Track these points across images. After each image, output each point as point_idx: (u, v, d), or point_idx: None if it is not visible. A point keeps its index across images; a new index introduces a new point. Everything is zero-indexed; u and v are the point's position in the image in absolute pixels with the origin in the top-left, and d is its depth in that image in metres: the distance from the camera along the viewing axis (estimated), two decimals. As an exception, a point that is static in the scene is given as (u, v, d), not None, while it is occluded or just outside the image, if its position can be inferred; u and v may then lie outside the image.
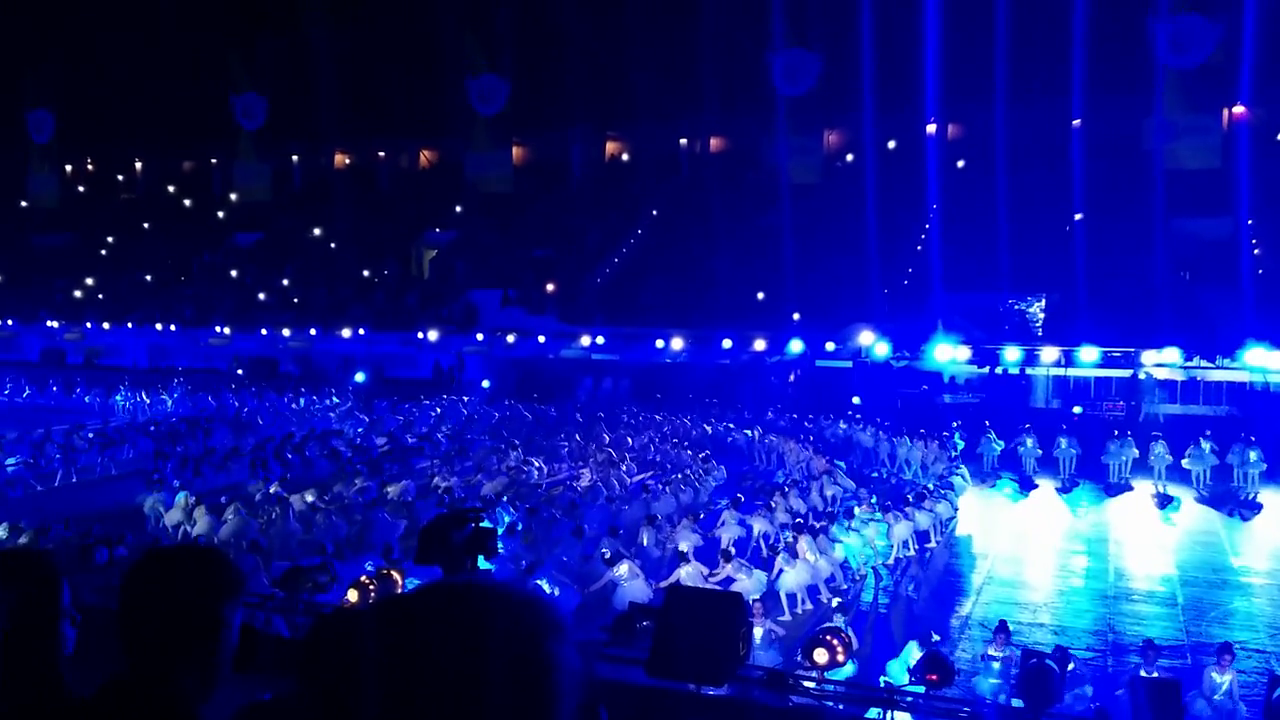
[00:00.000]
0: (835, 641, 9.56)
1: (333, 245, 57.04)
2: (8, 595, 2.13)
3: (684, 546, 17.46)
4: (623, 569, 15.10)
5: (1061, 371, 34.63)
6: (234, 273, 57.02)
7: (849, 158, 54.29)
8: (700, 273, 44.66)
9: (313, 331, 46.26)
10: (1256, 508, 23.51)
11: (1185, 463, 26.01)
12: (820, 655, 9.40)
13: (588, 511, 19.94)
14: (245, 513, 19.01)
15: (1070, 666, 11.58)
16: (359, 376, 41.98)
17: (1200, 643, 14.10)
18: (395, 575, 13.33)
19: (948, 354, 33.81)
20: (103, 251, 61.42)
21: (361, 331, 45.44)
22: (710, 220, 46.78)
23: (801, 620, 15.20)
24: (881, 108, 46.28)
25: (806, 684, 8.67)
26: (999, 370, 34.52)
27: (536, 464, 26.23)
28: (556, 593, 14.48)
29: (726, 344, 38.02)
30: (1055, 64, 42.47)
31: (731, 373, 37.83)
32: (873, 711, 9.15)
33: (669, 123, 56.97)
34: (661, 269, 47.10)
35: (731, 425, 31.71)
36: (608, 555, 15.78)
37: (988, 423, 28.74)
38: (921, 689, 9.01)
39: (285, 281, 54.77)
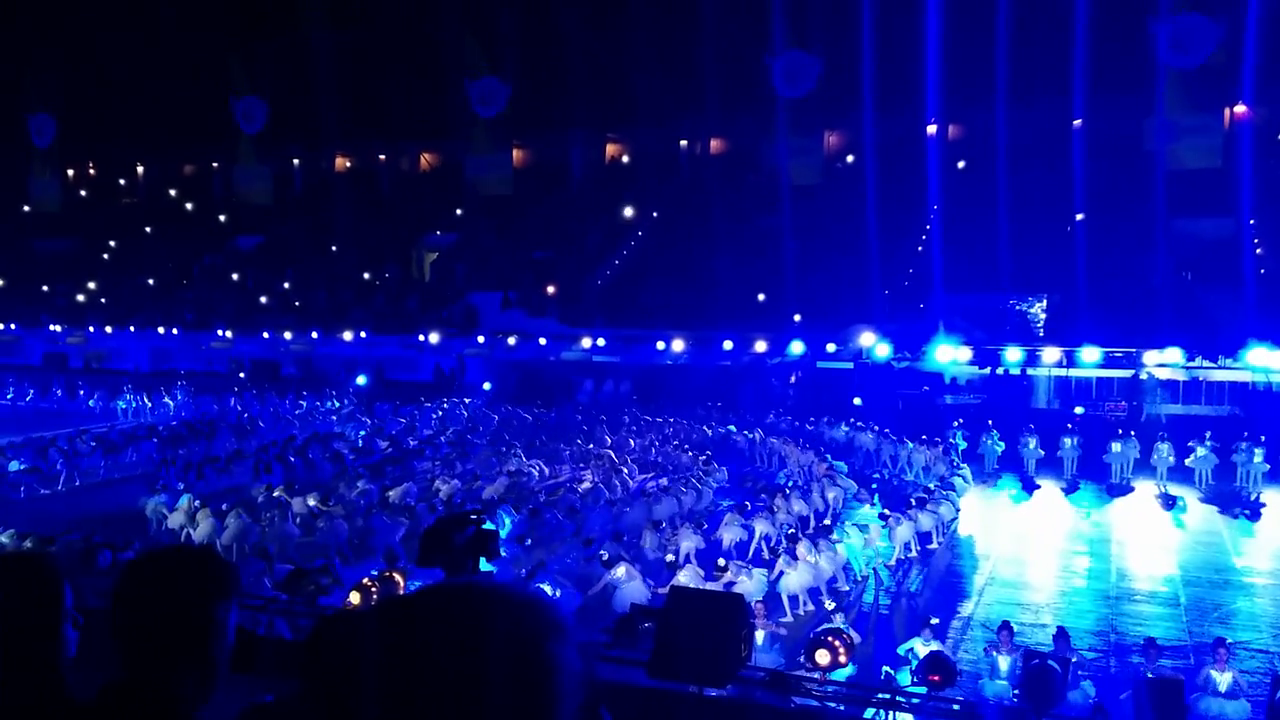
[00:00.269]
0: (837, 642, 9.56)
1: (333, 248, 57.06)
2: (9, 598, 2.13)
3: (686, 547, 17.48)
4: (620, 571, 15.12)
5: (1063, 372, 34.62)
6: (235, 276, 57.06)
7: (849, 159, 54.29)
8: (701, 274, 44.65)
9: (314, 335, 46.31)
10: (1258, 509, 23.52)
11: (1189, 461, 26.03)
12: (822, 656, 9.40)
13: (589, 514, 19.95)
14: (247, 516, 19.03)
15: (1074, 660, 11.58)
16: (360, 379, 42.01)
17: (1203, 643, 14.06)
18: (397, 578, 13.34)
19: (949, 355, 33.81)
20: (104, 255, 61.47)
21: (363, 334, 45.48)
22: (711, 222, 46.77)
23: (803, 621, 15.19)
24: (881, 108, 46.26)
25: (808, 685, 8.67)
26: (1000, 371, 34.51)
27: (537, 466, 26.23)
28: (558, 595, 14.48)
29: (727, 345, 38.02)
30: (1056, 64, 42.42)
31: (732, 374, 37.82)
32: (868, 710, 9.15)
33: (669, 124, 56.97)
34: (662, 271, 47.10)
35: (733, 427, 31.69)
36: (605, 558, 15.79)
37: (991, 422, 28.71)
38: (923, 689, 9.01)
39: (286, 285, 54.81)
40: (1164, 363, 32.71)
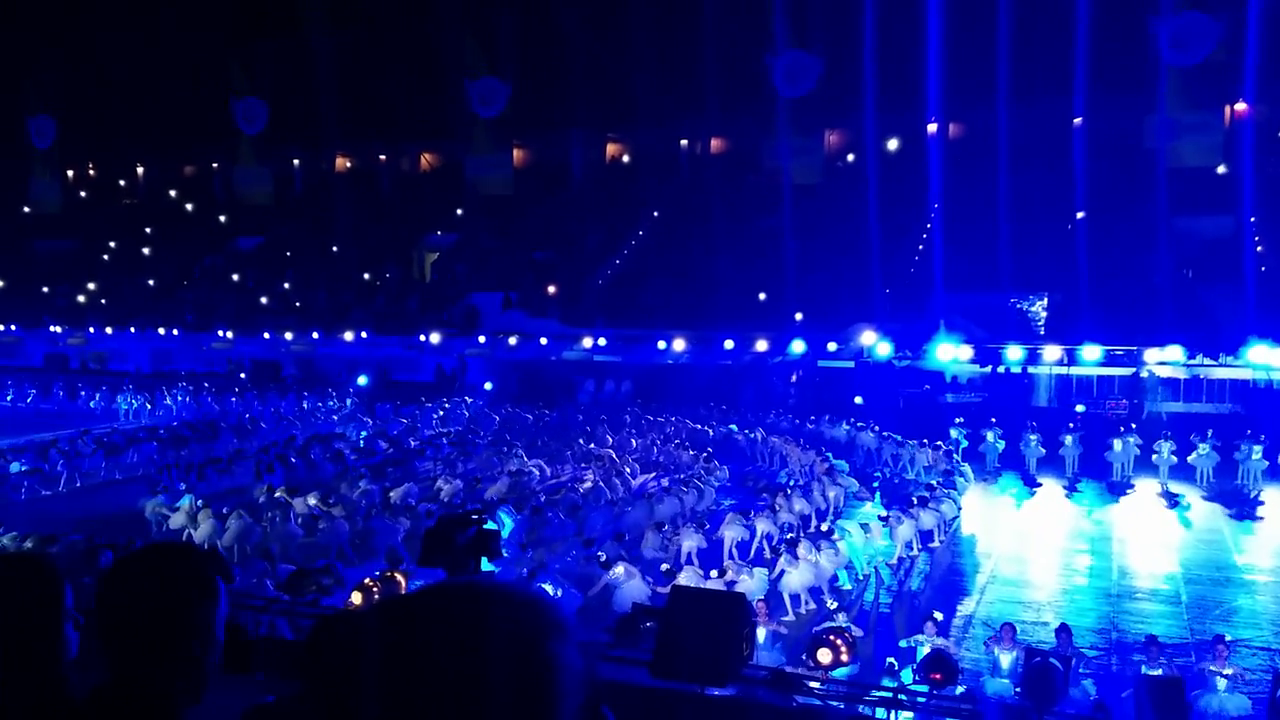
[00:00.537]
0: (839, 641, 9.57)
1: (334, 249, 57.06)
2: (10, 598, 2.13)
3: (688, 547, 17.49)
4: (619, 570, 15.13)
5: (1064, 370, 34.61)
6: (235, 276, 57.08)
7: (850, 158, 54.30)
8: (701, 274, 44.64)
9: (315, 335, 46.33)
10: (1256, 506, 23.54)
11: (1191, 459, 26.05)
12: (824, 655, 9.41)
13: (590, 513, 19.95)
14: (248, 517, 19.03)
15: (1074, 659, 11.59)
16: (361, 380, 42.03)
17: (1204, 641, 14.06)
18: (399, 578, 13.34)
19: (950, 353, 33.81)
20: (105, 256, 61.50)
21: (364, 335, 45.50)
22: (711, 221, 46.76)
23: (805, 620, 15.20)
24: (882, 108, 46.24)
25: (811, 684, 8.67)
26: (1001, 369, 34.51)
27: (539, 466, 26.23)
28: (559, 594, 14.49)
29: (728, 345, 38.02)
30: (1056, 63, 42.37)
31: (733, 374, 37.82)
32: (878, 711, 9.14)
33: (669, 124, 56.94)
34: (663, 270, 47.10)
35: (734, 427, 31.69)
36: (603, 558, 15.80)
37: (994, 419, 28.69)
38: (925, 688, 9.01)
39: (286, 285, 54.83)
40: (1165, 361, 32.72)
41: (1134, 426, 27.82)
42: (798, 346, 36.61)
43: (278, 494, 21.52)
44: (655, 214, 53.64)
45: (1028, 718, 8.58)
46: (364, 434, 32.58)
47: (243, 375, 46.28)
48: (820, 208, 47.64)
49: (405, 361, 45.23)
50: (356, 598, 12.70)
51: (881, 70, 44.66)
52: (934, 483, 22.70)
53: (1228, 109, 47.10)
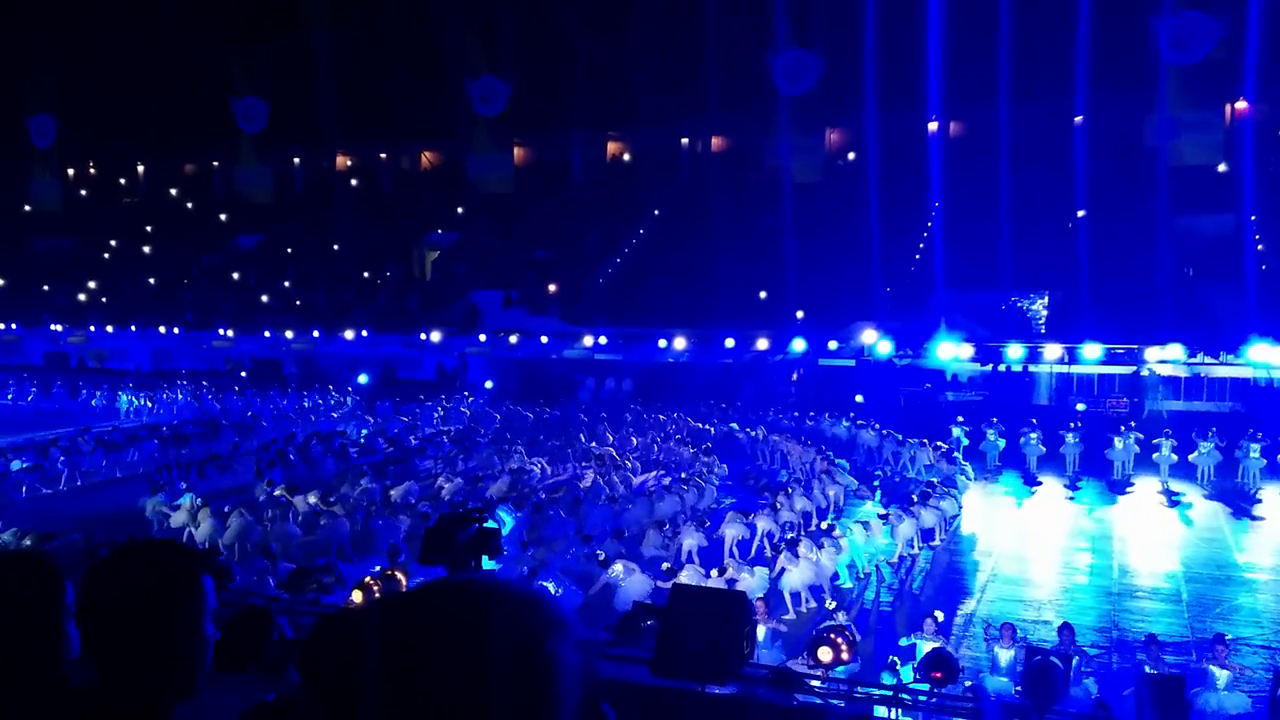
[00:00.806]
0: (839, 639, 9.56)
1: (334, 247, 57.10)
2: (10, 596, 2.12)
3: (688, 545, 17.49)
4: (618, 569, 15.14)
5: (1064, 368, 34.62)
6: (236, 275, 57.10)
7: (850, 156, 54.31)
8: (702, 272, 44.66)
9: (315, 334, 46.34)
10: (1255, 504, 23.58)
11: (1193, 457, 26.06)
12: (824, 653, 9.40)
13: (591, 512, 19.96)
14: (249, 515, 19.03)
15: (1076, 658, 11.59)
16: (362, 378, 42.05)
17: (1205, 639, 14.07)
18: (400, 576, 13.33)
19: (950, 352, 33.82)
20: (105, 255, 61.52)
21: (364, 333, 45.51)
22: (712, 220, 46.77)
23: (805, 618, 15.20)
24: (883, 106, 46.23)
25: (812, 682, 8.67)
26: (1002, 368, 34.51)
27: (539, 464, 26.24)
28: (560, 592, 14.49)
29: (729, 343, 38.03)
30: (1057, 61, 42.39)
31: (734, 372, 37.83)
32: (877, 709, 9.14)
33: (670, 123, 56.97)
34: (663, 269, 47.12)
35: (735, 425, 31.70)
36: (602, 557, 15.80)
37: (995, 419, 28.69)
38: (926, 686, 9.01)
39: (287, 284, 54.85)
40: (1165, 359, 32.73)
41: (1134, 425, 27.81)
42: (798, 345, 36.62)
43: (278, 492, 21.53)
44: (656, 212, 53.65)
45: (1028, 716, 8.57)
46: (364, 432, 32.60)
47: (243, 374, 46.30)
48: (821, 206, 47.63)
49: (406, 360, 45.27)
50: (357, 596, 12.68)
51: (882, 69, 44.67)
52: (934, 480, 22.73)
53: (1228, 107, 47.10)
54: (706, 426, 31.70)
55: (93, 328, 50.63)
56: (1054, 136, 45.30)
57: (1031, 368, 34.70)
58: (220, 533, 18.50)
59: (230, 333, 48.00)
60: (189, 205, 67.33)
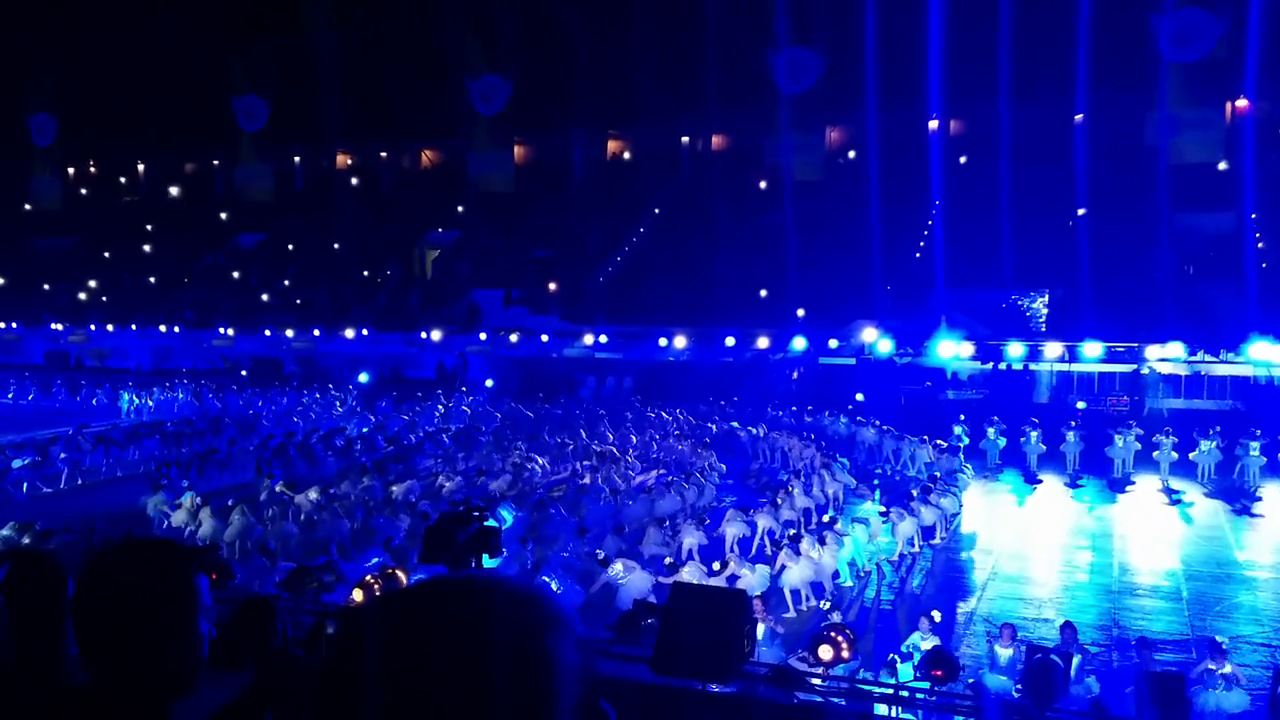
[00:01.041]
0: (839, 637, 9.56)
1: (335, 246, 57.09)
2: (13, 593, 2.13)
3: (689, 543, 17.50)
4: (617, 567, 15.14)
5: (1065, 367, 34.61)
6: (236, 274, 57.10)
7: (851, 154, 54.28)
8: (702, 271, 44.65)
9: (316, 332, 46.34)
10: (1255, 501, 23.57)
11: (1193, 455, 26.06)
12: (825, 651, 9.40)
13: (591, 509, 19.96)
14: (250, 513, 19.04)
15: (1077, 657, 11.59)
16: (362, 377, 42.05)
17: (1205, 637, 14.08)
18: (400, 574, 13.33)
19: (951, 350, 33.80)
20: (105, 254, 61.51)
21: (365, 332, 45.51)
22: (712, 218, 46.77)
23: (805, 616, 15.21)
24: (883, 104, 46.19)
25: (812, 680, 8.67)
26: (1002, 366, 34.50)
27: (540, 462, 26.25)
28: (561, 590, 14.49)
29: (729, 342, 38.02)
30: (1057, 59, 42.36)
31: (734, 370, 37.83)
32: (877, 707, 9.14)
33: (671, 121, 56.94)
34: (664, 268, 47.10)
35: (735, 423, 31.70)
36: (601, 556, 15.79)
37: (996, 417, 28.69)
38: (926, 684, 9.01)
39: (287, 282, 54.84)
40: (1165, 357, 32.71)
41: (1135, 423, 27.81)
42: (799, 343, 36.60)
43: (279, 490, 21.55)
44: (656, 211, 53.64)
45: (1028, 715, 8.57)
46: (364, 430, 32.61)
47: (244, 373, 46.30)
48: (821, 205, 47.61)
49: (406, 358, 45.29)
50: (358, 595, 12.69)
51: (883, 67, 44.62)
52: (937, 474, 22.73)
53: (1229, 105, 47.07)
54: (708, 425, 31.72)
55: (93, 326, 50.63)
56: (1054, 135, 45.28)
57: (1032, 366, 34.69)
58: (222, 531, 18.52)
59: (231, 331, 48.00)
60: (189, 204, 67.31)
